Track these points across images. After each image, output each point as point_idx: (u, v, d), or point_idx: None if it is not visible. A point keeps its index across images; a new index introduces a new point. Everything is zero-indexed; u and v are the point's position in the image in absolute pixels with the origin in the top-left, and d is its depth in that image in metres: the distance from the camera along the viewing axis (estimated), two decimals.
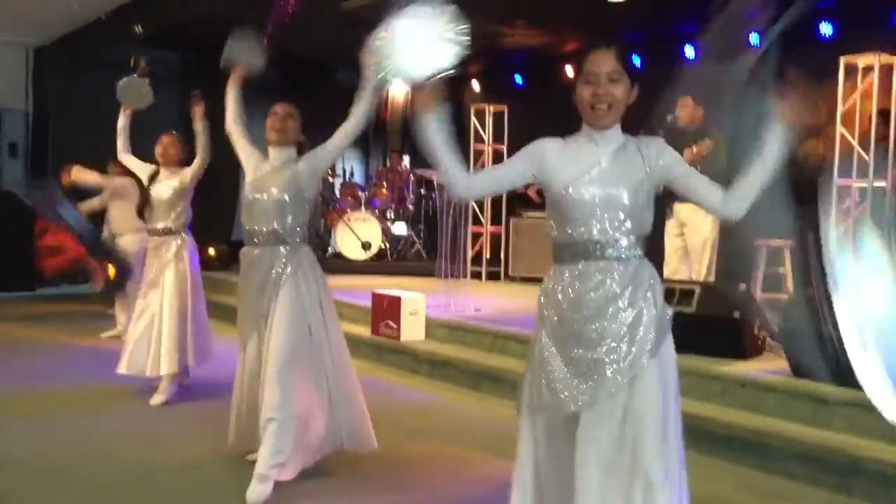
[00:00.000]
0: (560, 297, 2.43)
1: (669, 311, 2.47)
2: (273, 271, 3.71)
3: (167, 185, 5.36)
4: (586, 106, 2.39)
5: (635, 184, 2.39)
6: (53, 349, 7.05)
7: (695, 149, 6.13)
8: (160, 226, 5.40)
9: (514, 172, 2.51)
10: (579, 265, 2.40)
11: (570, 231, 2.42)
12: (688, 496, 2.52)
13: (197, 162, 5.28)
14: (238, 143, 3.98)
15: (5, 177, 11.65)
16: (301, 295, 3.74)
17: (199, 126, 5.10)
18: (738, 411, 4.51)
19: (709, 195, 2.47)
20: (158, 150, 5.42)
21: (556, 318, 2.44)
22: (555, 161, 2.43)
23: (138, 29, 9.74)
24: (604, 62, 2.35)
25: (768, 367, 4.78)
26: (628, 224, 2.38)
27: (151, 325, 5.29)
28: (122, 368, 5.36)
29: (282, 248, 3.74)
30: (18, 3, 9.51)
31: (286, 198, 3.72)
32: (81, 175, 7.09)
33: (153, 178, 5.42)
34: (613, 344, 2.36)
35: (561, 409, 2.40)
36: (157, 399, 5.24)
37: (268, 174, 3.78)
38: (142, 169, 5.56)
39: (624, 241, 2.39)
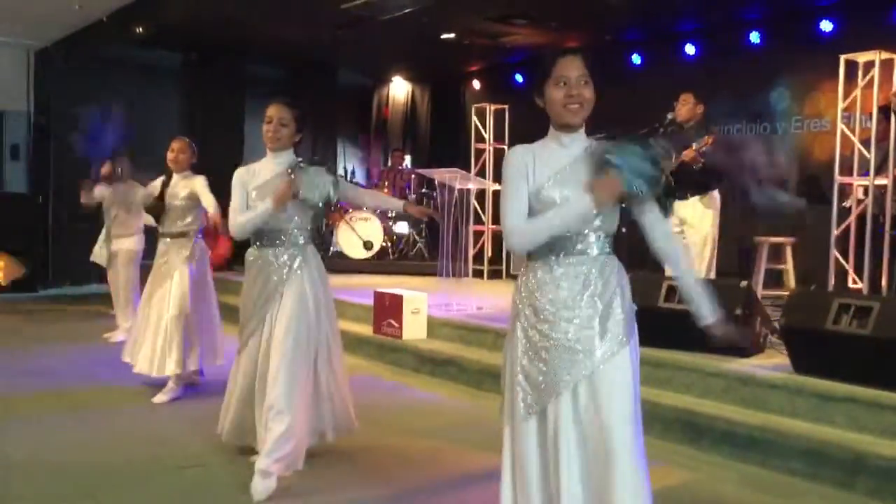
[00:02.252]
0: (533, 290, 2.57)
1: (635, 306, 2.62)
2: (280, 270, 3.82)
3: (180, 192, 5.46)
4: (558, 105, 2.53)
5: None
6: (56, 349, 7.05)
7: (694, 146, 6.10)
8: (173, 229, 5.50)
9: (525, 193, 2.58)
10: (551, 260, 2.55)
11: None
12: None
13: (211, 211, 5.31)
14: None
15: (7, 179, 11.67)
16: (305, 292, 3.84)
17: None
18: (740, 408, 4.51)
19: (653, 226, 2.61)
20: (170, 156, 5.51)
21: (529, 311, 2.58)
22: (530, 165, 2.58)
23: (139, 30, 9.76)
24: (574, 67, 2.53)
25: (770, 363, 4.78)
26: (597, 222, 2.54)
27: (158, 325, 5.38)
28: (126, 356, 5.55)
29: (289, 249, 3.86)
30: (20, 4, 9.51)
31: (290, 203, 3.78)
32: (91, 199, 7.33)
33: (166, 184, 5.52)
34: (585, 333, 2.50)
35: (539, 401, 2.53)
36: (160, 398, 5.28)
37: (273, 180, 3.84)
38: (153, 188, 5.65)
39: (593, 238, 2.55)
